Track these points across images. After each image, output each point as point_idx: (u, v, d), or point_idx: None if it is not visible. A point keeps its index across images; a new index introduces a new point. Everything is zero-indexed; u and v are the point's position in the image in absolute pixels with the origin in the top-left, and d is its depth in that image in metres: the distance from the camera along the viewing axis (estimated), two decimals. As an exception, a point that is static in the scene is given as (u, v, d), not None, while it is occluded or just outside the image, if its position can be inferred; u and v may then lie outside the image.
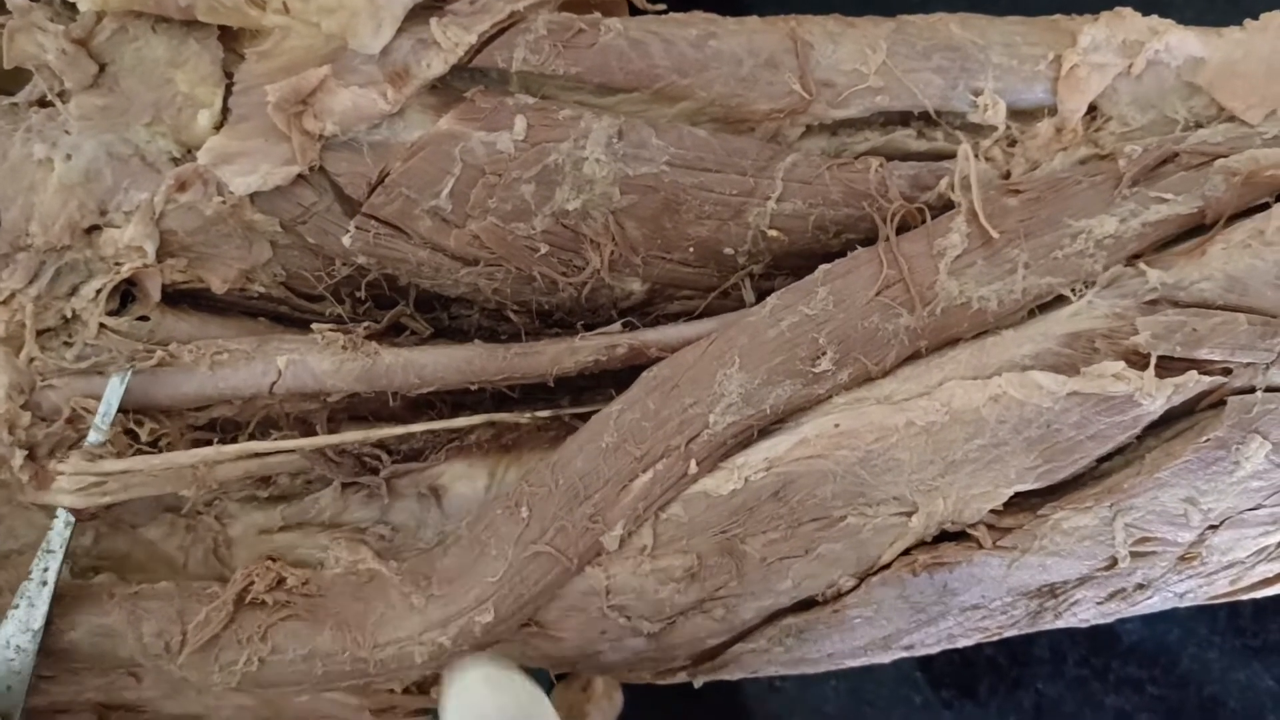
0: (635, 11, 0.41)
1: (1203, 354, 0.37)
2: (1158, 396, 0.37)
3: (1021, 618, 0.41)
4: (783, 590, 0.39)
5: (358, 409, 0.42)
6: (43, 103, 0.39)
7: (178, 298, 0.41)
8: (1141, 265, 0.38)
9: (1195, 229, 0.38)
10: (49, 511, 0.40)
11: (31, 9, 0.38)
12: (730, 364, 0.37)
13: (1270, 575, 0.41)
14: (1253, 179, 0.37)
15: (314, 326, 0.41)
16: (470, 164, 0.38)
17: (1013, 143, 0.40)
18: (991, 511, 0.38)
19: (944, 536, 0.39)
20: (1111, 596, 0.40)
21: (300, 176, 0.38)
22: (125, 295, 0.41)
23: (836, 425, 0.37)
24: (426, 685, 0.44)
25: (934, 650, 0.43)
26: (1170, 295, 0.37)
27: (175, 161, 0.39)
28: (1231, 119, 0.40)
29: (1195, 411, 0.38)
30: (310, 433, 0.42)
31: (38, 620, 0.38)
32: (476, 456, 0.42)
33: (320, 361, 0.40)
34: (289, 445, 0.40)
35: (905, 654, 0.42)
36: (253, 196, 0.39)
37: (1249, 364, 0.37)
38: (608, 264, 0.39)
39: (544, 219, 0.39)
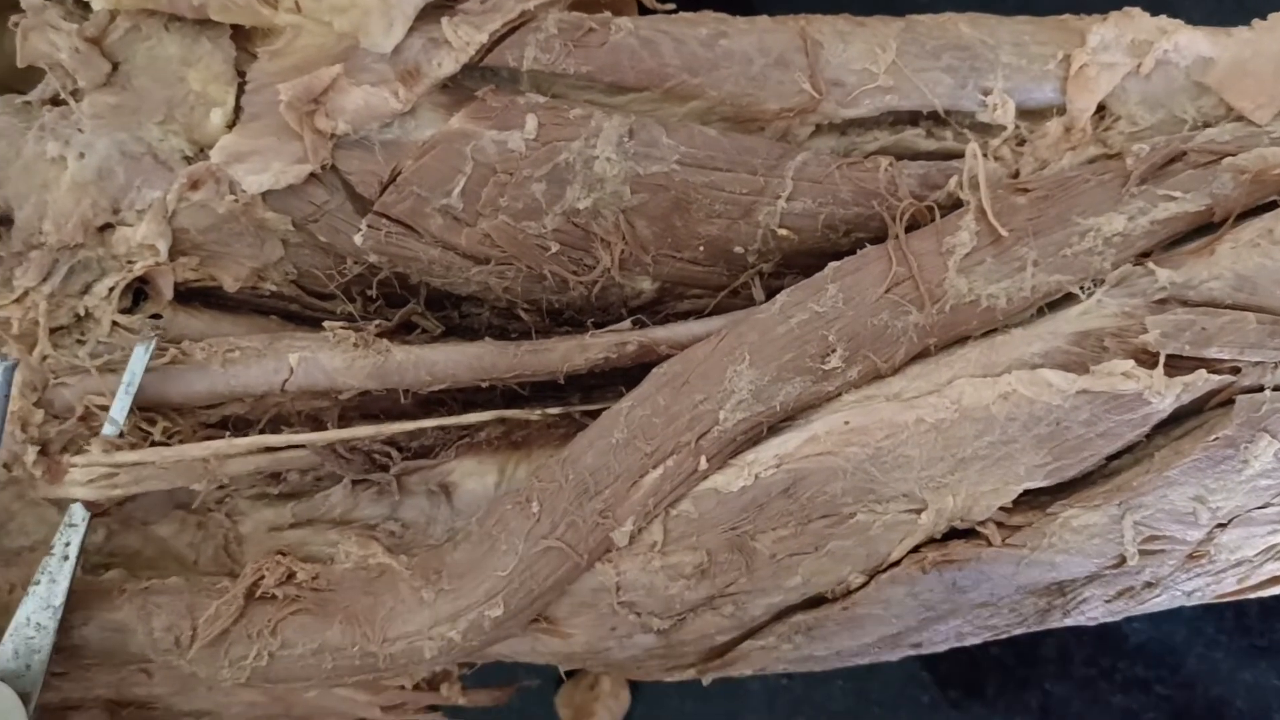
0: (644, 11, 0.42)
1: (1212, 353, 0.37)
2: (1167, 395, 0.37)
3: (1030, 615, 0.41)
4: (792, 587, 0.39)
5: (369, 407, 0.43)
6: (55, 101, 0.39)
7: (190, 296, 0.42)
8: (1150, 264, 0.38)
9: (1204, 227, 0.38)
10: (60, 507, 0.41)
11: (45, 8, 0.38)
12: (740, 361, 0.37)
13: (1278, 574, 0.42)
14: (1261, 177, 0.37)
15: (325, 324, 0.41)
16: (481, 162, 0.38)
17: (1022, 142, 0.40)
18: (1001, 509, 0.38)
19: (953, 534, 0.39)
20: (1120, 595, 0.40)
21: (312, 175, 0.39)
22: (138, 293, 0.41)
23: (846, 422, 0.37)
24: (436, 681, 0.44)
25: (942, 649, 0.43)
26: (1179, 294, 0.37)
27: (188, 160, 0.39)
28: (1240, 118, 0.40)
29: (1204, 410, 0.38)
30: (321, 430, 0.42)
31: (59, 596, 0.38)
32: (487, 454, 0.42)
33: (332, 359, 0.40)
34: (300, 439, 0.41)
35: (913, 652, 0.43)
36: (265, 195, 0.39)
37: (1258, 363, 0.37)
38: (618, 262, 0.40)
39: (555, 217, 0.39)
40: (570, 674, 0.56)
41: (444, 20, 0.38)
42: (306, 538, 0.42)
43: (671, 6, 0.41)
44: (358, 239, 0.40)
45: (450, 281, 0.41)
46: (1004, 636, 0.42)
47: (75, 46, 0.38)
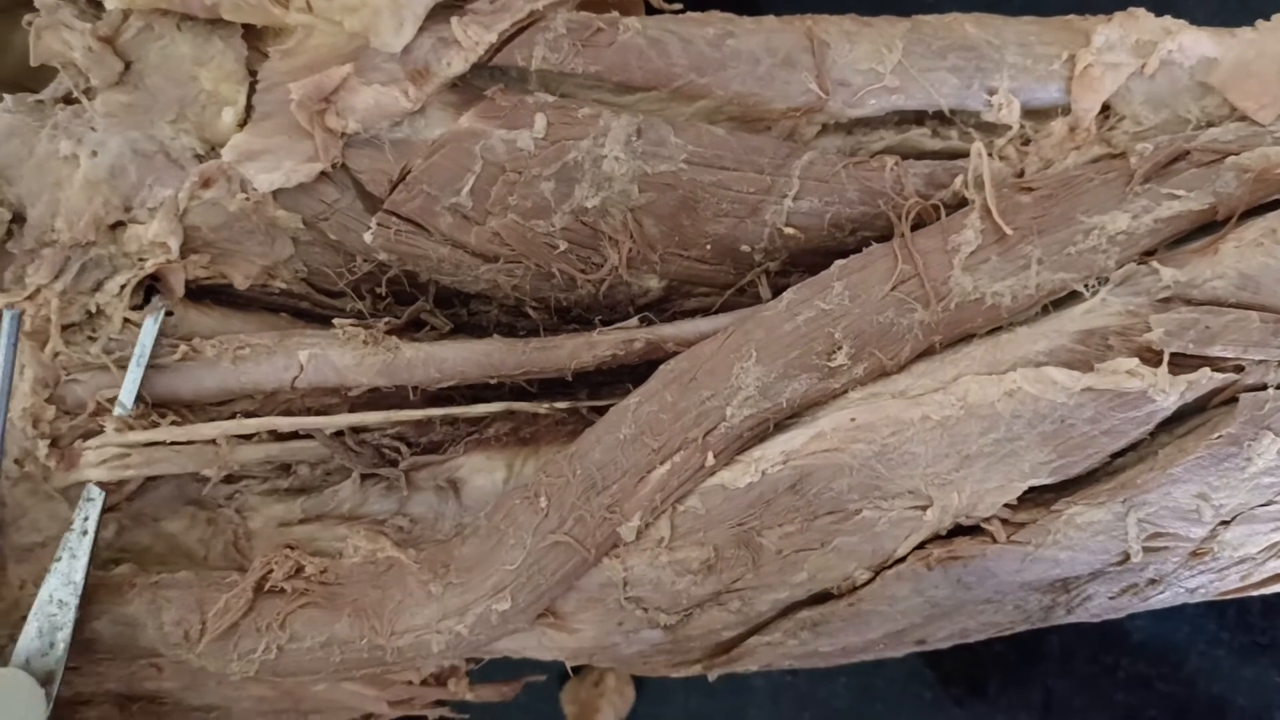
0: (652, 11, 0.42)
1: (1215, 351, 0.37)
2: (1171, 393, 0.37)
3: (1034, 612, 0.41)
4: (798, 583, 0.39)
5: (378, 404, 0.43)
6: (68, 100, 0.40)
7: (201, 293, 0.42)
8: (1155, 263, 0.38)
9: (1208, 226, 0.39)
10: (72, 501, 0.41)
11: (59, 7, 0.39)
12: (747, 357, 0.38)
13: (1281, 571, 0.42)
14: (1264, 176, 0.37)
15: (335, 322, 0.41)
16: (491, 161, 0.39)
17: (1027, 141, 0.40)
18: (1005, 506, 0.39)
19: (958, 531, 0.39)
20: (1124, 591, 0.41)
21: (323, 173, 0.39)
22: (149, 290, 0.42)
23: (852, 419, 0.37)
24: (444, 677, 0.45)
25: (946, 645, 0.43)
26: (1183, 293, 0.38)
27: (199, 158, 0.39)
28: (1243, 118, 0.40)
29: (1208, 408, 0.38)
30: (332, 423, 0.42)
31: (79, 572, 0.39)
32: (495, 449, 0.42)
33: (341, 356, 0.41)
34: (310, 423, 0.41)
35: (918, 649, 0.43)
36: (276, 193, 0.39)
37: (1261, 361, 0.37)
38: (626, 261, 0.40)
39: (563, 216, 0.39)
40: (576, 670, 0.56)
41: (453, 20, 0.38)
42: (315, 533, 0.43)
43: (679, 6, 0.41)
44: (368, 237, 0.40)
45: (459, 279, 0.41)
46: (1008, 633, 0.43)
47: (88, 45, 0.38)
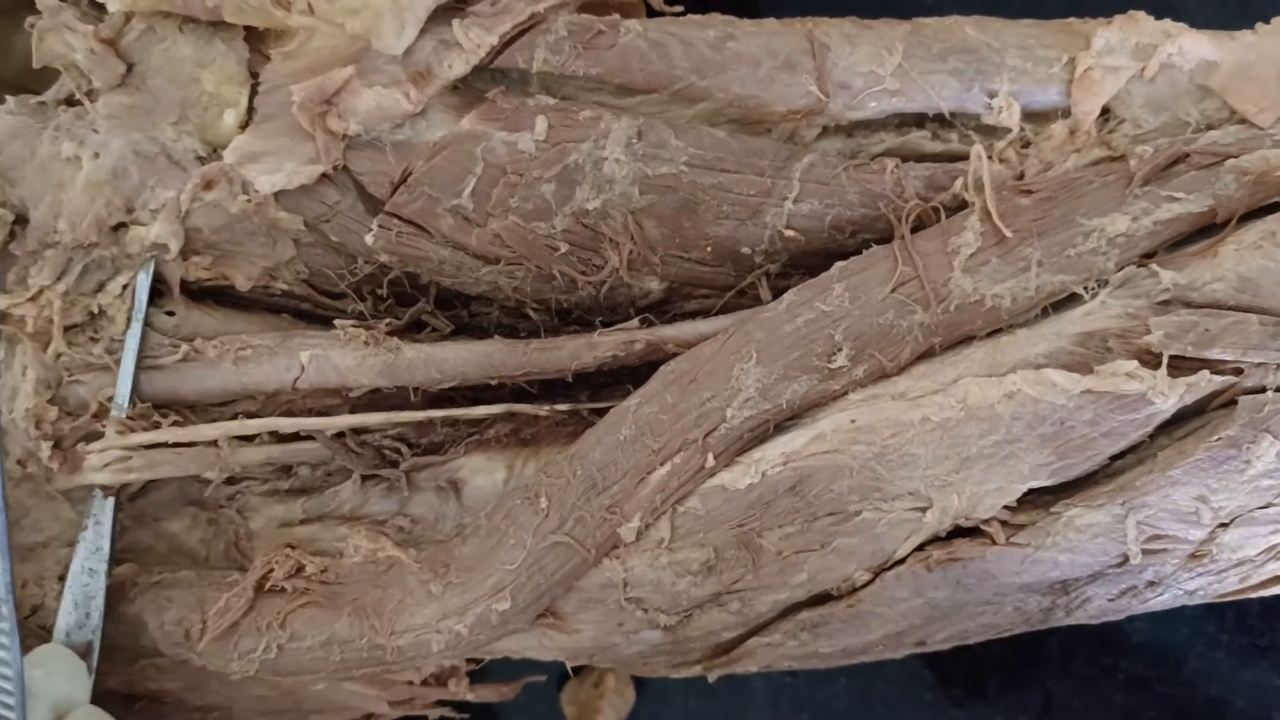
0: (653, 13, 0.42)
1: (1214, 354, 0.37)
2: (1170, 395, 0.37)
3: (1033, 614, 0.41)
4: (798, 584, 0.39)
5: (378, 405, 0.43)
6: (70, 101, 0.40)
7: (202, 294, 0.42)
8: (1154, 266, 0.38)
9: (1207, 229, 0.39)
10: (75, 503, 0.41)
11: (61, 9, 0.39)
12: (747, 359, 0.38)
13: (1280, 573, 0.42)
14: (1264, 179, 0.38)
15: (336, 323, 0.41)
16: (492, 163, 0.39)
17: (1027, 144, 0.41)
18: (1005, 508, 0.39)
19: (958, 532, 0.39)
20: (1123, 593, 0.41)
21: (324, 175, 0.39)
22: (151, 291, 0.42)
23: (853, 421, 0.37)
24: (444, 677, 0.45)
25: (945, 647, 0.43)
26: (1183, 295, 0.38)
27: (201, 160, 0.40)
28: (1242, 121, 0.40)
29: (1207, 410, 0.38)
30: (332, 428, 0.42)
31: (105, 539, 0.40)
32: (495, 450, 0.42)
33: (343, 357, 0.41)
34: (311, 424, 0.41)
35: (917, 650, 0.43)
36: (277, 195, 0.39)
37: (1260, 364, 0.38)
38: (626, 263, 0.40)
39: (564, 218, 0.39)
40: (576, 671, 0.56)
41: (455, 22, 0.38)
42: (316, 533, 0.43)
43: (680, 9, 0.41)
44: (369, 239, 0.40)
45: (460, 281, 0.41)
46: (1007, 635, 0.43)
47: (91, 48, 0.38)
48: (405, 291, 0.42)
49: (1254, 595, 0.43)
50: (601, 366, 0.41)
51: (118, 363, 0.40)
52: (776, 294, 0.40)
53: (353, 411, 0.43)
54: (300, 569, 0.40)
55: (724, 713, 0.57)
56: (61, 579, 0.41)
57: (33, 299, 0.40)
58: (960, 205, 0.39)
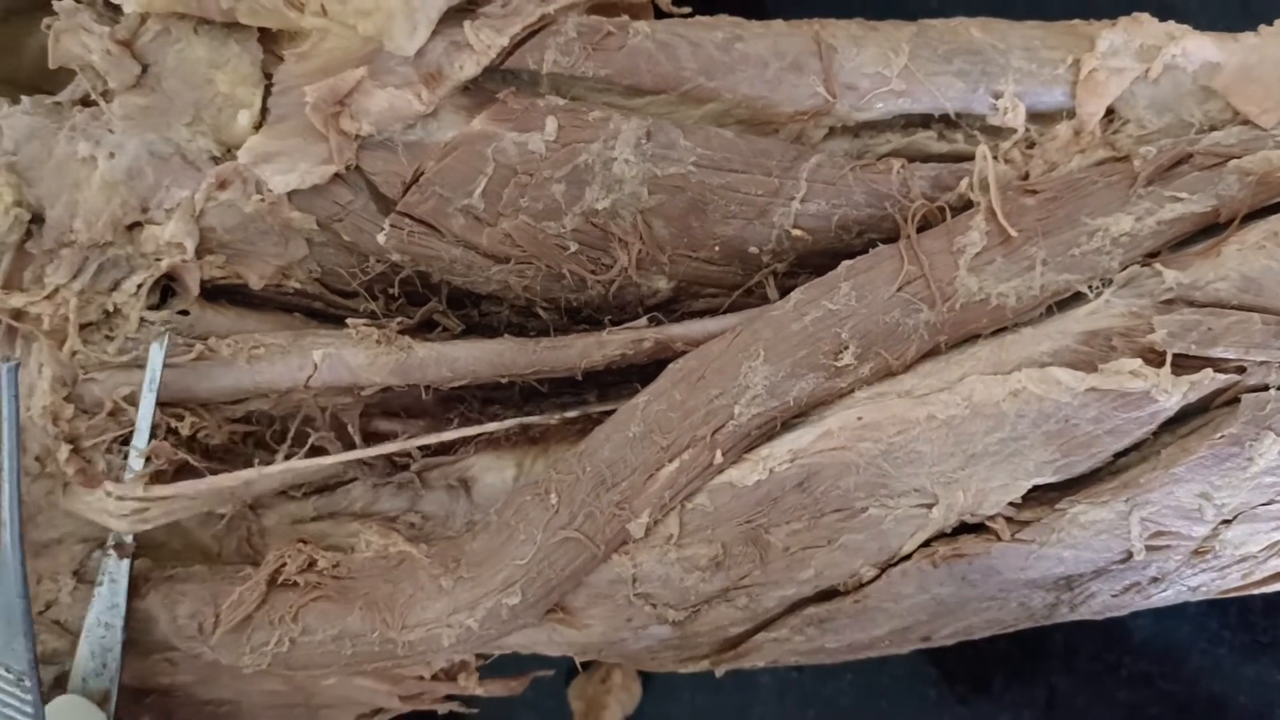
0: (661, 15, 0.42)
1: (1218, 352, 0.38)
2: (1174, 393, 0.37)
3: (1038, 610, 0.41)
4: (805, 580, 0.40)
5: (390, 403, 0.43)
6: (86, 102, 0.40)
7: (216, 293, 0.42)
8: (1158, 265, 0.38)
9: (1210, 229, 0.39)
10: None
11: (77, 10, 0.39)
12: (755, 356, 0.38)
13: (1282, 569, 0.42)
14: (1267, 179, 0.38)
15: (348, 322, 0.42)
16: (502, 164, 0.39)
17: (1031, 145, 0.41)
18: (1010, 504, 0.39)
19: (963, 529, 0.40)
20: (1127, 589, 0.41)
21: (337, 175, 0.39)
22: (165, 290, 0.42)
23: (859, 418, 0.38)
24: (454, 672, 0.45)
25: (950, 643, 0.43)
26: (1186, 295, 0.38)
27: (215, 160, 0.40)
28: (1245, 122, 0.40)
29: (1210, 408, 0.39)
30: (343, 428, 0.43)
31: (120, 595, 0.40)
32: (505, 449, 0.43)
33: (355, 355, 0.41)
34: (327, 461, 0.41)
35: (923, 645, 0.43)
36: (291, 195, 0.40)
37: (1263, 362, 0.38)
38: (635, 262, 0.40)
39: (574, 218, 0.40)
40: (583, 666, 0.57)
41: (466, 24, 0.38)
42: (328, 530, 0.43)
43: (688, 10, 0.42)
44: (381, 238, 0.40)
45: (471, 280, 0.42)
46: (1012, 631, 0.43)
47: (106, 49, 0.39)
48: (417, 291, 0.43)
49: (1257, 592, 0.43)
50: (610, 365, 0.41)
51: (130, 363, 0.41)
52: (784, 293, 0.40)
53: (364, 409, 0.44)
54: (312, 563, 0.40)
55: (730, 708, 0.58)
56: (75, 574, 0.42)
57: (49, 297, 0.40)
58: (966, 205, 0.40)
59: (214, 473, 0.42)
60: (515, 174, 0.39)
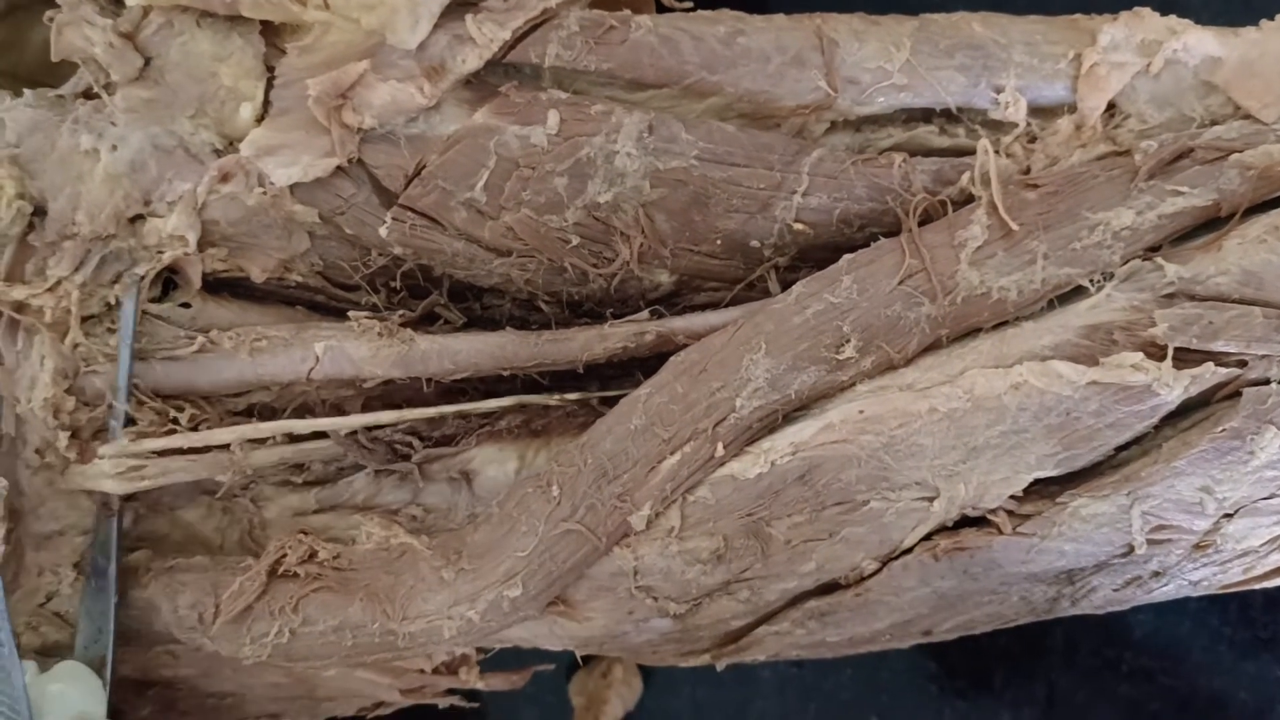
0: (663, 9, 0.42)
1: (1219, 346, 0.38)
2: (1175, 387, 0.37)
3: (1039, 604, 0.41)
4: (807, 573, 0.40)
5: (392, 396, 0.43)
6: (89, 95, 0.40)
7: (218, 286, 0.43)
8: (1159, 259, 0.38)
9: (1211, 223, 0.39)
10: (90, 492, 0.42)
11: (80, 3, 0.39)
12: (757, 349, 0.38)
13: (1283, 564, 0.42)
14: (1267, 173, 0.38)
15: (350, 314, 0.42)
16: (504, 157, 0.39)
17: (1033, 139, 0.41)
18: (1011, 498, 0.39)
19: (965, 522, 0.40)
20: (1128, 583, 0.41)
21: (339, 168, 0.39)
22: (167, 283, 0.42)
23: (861, 411, 0.38)
24: (455, 665, 0.45)
25: (951, 637, 0.43)
26: (1187, 289, 0.38)
27: (218, 153, 0.40)
28: (1247, 117, 0.40)
29: (1211, 402, 0.39)
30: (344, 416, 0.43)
31: (110, 558, 0.40)
32: (507, 441, 0.43)
33: (357, 348, 0.41)
34: (324, 424, 0.41)
35: (924, 640, 0.43)
36: (293, 188, 0.40)
37: (1264, 356, 0.38)
38: (637, 256, 0.40)
39: (576, 211, 0.40)
40: (584, 661, 0.57)
41: (468, 17, 0.38)
42: (330, 522, 0.43)
43: (690, 4, 0.42)
44: (383, 231, 0.40)
45: (473, 273, 0.42)
46: (1012, 625, 0.43)
47: (109, 41, 0.39)
48: (418, 284, 0.43)
49: (1258, 586, 0.43)
50: (612, 358, 0.41)
51: (135, 355, 0.41)
52: (785, 287, 0.40)
53: (366, 403, 0.44)
54: (313, 554, 0.40)
55: (731, 703, 0.58)
56: (76, 566, 0.42)
57: (51, 290, 0.40)
58: (967, 199, 0.40)
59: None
60: (517, 167, 0.39)
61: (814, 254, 0.41)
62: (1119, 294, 0.38)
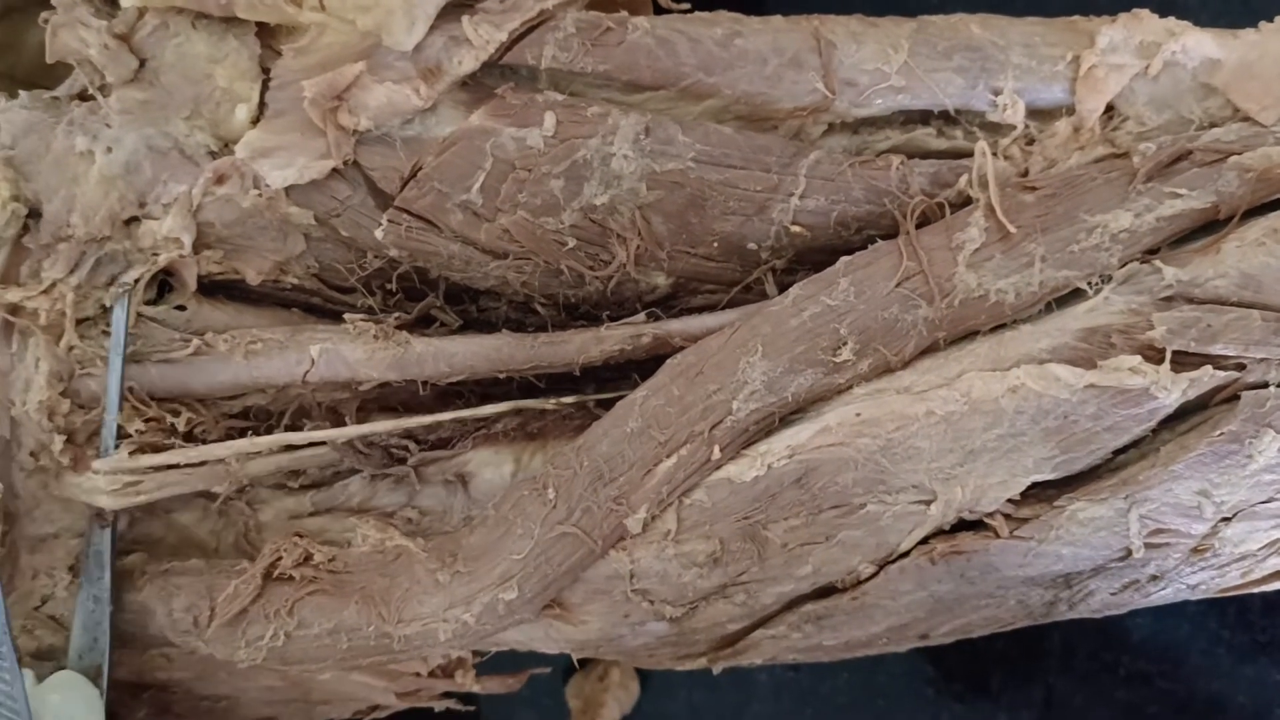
0: (660, 10, 0.42)
1: (1217, 349, 0.38)
2: (1173, 390, 0.37)
3: (1037, 607, 0.41)
4: (803, 576, 0.39)
5: (388, 399, 0.43)
6: (84, 97, 0.40)
7: (214, 288, 0.42)
8: (1157, 262, 0.38)
9: (1210, 225, 0.39)
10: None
11: (75, 4, 0.39)
12: (754, 352, 0.38)
13: (1281, 568, 0.42)
14: (1266, 176, 0.38)
15: (346, 317, 0.42)
16: (501, 159, 0.39)
17: (1031, 141, 0.41)
18: (1009, 501, 0.39)
19: (962, 525, 0.40)
20: (1125, 587, 0.41)
21: (335, 170, 0.39)
22: (162, 285, 0.42)
23: (858, 414, 0.38)
24: (451, 669, 0.45)
25: (949, 641, 0.43)
26: (1185, 292, 0.38)
27: (213, 155, 0.40)
28: (1245, 119, 0.40)
29: (1209, 406, 0.39)
30: (341, 423, 0.43)
31: (105, 568, 0.40)
32: (503, 444, 0.43)
33: (353, 350, 0.41)
34: (321, 435, 0.41)
35: (921, 643, 0.43)
36: (288, 190, 0.40)
37: (1262, 359, 0.38)
38: (634, 258, 0.40)
39: (572, 214, 0.40)
40: (581, 664, 0.57)
41: (464, 19, 0.38)
42: (325, 525, 0.43)
43: (687, 6, 0.42)
44: (379, 233, 0.40)
45: (469, 276, 0.41)
46: (1010, 629, 0.43)
47: (104, 43, 0.39)
48: (414, 286, 0.43)
49: (1256, 590, 0.43)
50: (608, 360, 0.41)
51: (128, 358, 0.41)
52: (782, 289, 0.40)
53: (361, 405, 0.43)
54: (308, 557, 0.40)
55: (727, 706, 0.58)
56: (71, 569, 0.42)
57: (45, 292, 0.40)
58: (965, 201, 0.40)
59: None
60: (513, 169, 0.39)
61: (811, 256, 0.41)
62: (1117, 297, 0.38)
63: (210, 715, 0.45)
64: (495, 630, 0.40)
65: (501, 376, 0.42)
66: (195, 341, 0.41)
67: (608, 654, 0.42)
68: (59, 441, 0.40)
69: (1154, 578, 0.41)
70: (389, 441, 0.42)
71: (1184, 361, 0.38)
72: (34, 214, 0.40)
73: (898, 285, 0.38)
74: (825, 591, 0.41)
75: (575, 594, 0.40)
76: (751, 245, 0.41)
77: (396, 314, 0.42)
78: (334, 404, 0.43)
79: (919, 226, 0.39)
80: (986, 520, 0.39)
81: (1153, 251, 0.39)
